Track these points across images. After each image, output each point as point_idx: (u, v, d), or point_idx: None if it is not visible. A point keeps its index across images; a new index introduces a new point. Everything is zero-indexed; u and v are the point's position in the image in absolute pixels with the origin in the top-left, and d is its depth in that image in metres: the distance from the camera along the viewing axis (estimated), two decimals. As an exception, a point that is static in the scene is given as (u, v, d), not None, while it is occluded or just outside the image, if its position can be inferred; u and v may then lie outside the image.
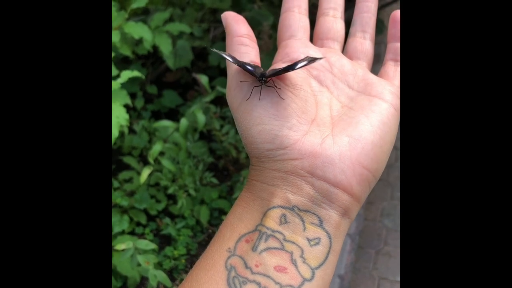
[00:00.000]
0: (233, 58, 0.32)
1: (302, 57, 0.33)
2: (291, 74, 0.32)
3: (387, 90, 0.32)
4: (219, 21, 1.33)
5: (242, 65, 0.32)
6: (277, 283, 0.27)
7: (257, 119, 0.31)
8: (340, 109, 0.32)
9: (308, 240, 0.28)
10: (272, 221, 0.29)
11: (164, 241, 1.19)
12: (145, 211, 1.19)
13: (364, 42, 0.36)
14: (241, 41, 0.34)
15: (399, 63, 0.34)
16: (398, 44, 0.35)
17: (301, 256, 0.28)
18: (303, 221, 0.29)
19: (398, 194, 1.39)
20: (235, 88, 0.33)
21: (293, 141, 0.30)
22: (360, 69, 0.34)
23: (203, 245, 1.19)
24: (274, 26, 1.25)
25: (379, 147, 0.30)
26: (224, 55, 0.32)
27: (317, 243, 0.28)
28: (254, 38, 0.34)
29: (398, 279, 1.21)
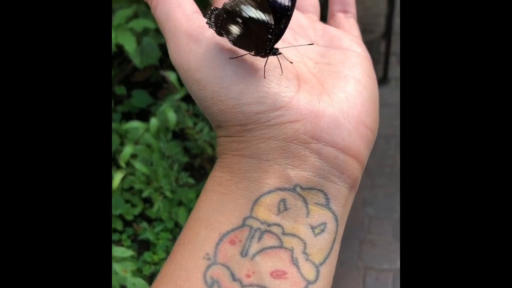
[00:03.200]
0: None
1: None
2: None
3: (354, 42, 0.28)
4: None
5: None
6: None
7: (234, 76, 0.24)
8: (315, 66, 0.27)
9: (312, 228, 0.23)
10: (267, 212, 0.22)
11: (142, 246, 1.15)
12: (121, 216, 1.15)
13: None
14: None
15: (349, 14, 0.30)
16: None
17: (304, 252, 0.22)
18: (306, 203, 0.23)
19: (379, 182, 1.37)
20: (187, 42, 0.25)
21: (288, 99, 0.23)
22: (316, 22, 0.30)
23: (184, 247, 1.16)
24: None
25: (375, 103, 0.26)
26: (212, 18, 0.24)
27: (322, 231, 0.23)
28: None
29: (384, 267, 1.20)
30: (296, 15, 0.29)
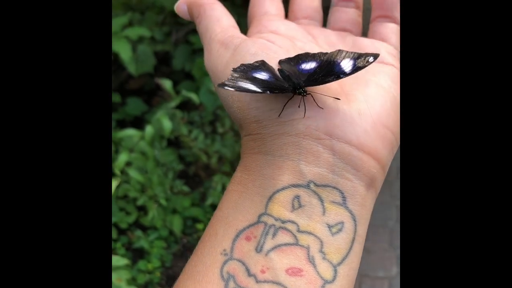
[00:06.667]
0: (255, 83, 0.24)
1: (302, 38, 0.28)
2: (278, 40, 0.28)
3: (384, 51, 0.28)
4: (181, 24, 1.29)
5: (271, 86, 0.25)
6: None
7: None
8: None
9: (329, 226, 0.23)
10: (281, 208, 0.23)
11: (137, 254, 1.14)
12: (115, 224, 1.14)
13: (348, 10, 0.30)
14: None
15: (390, 19, 0.29)
16: None
17: (320, 251, 0.22)
18: (321, 201, 0.23)
19: (373, 189, 1.37)
20: (218, 49, 0.27)
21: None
22: (348, 36, 0.29)
23: (178, 256, 1.15)
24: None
25: (397, 105, 0.25)
26: (243, 85, 0.24)
27: (340, 230, 0.23)
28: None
29: (379, 275, 1.20)
30: (326, 31, 0.30)
